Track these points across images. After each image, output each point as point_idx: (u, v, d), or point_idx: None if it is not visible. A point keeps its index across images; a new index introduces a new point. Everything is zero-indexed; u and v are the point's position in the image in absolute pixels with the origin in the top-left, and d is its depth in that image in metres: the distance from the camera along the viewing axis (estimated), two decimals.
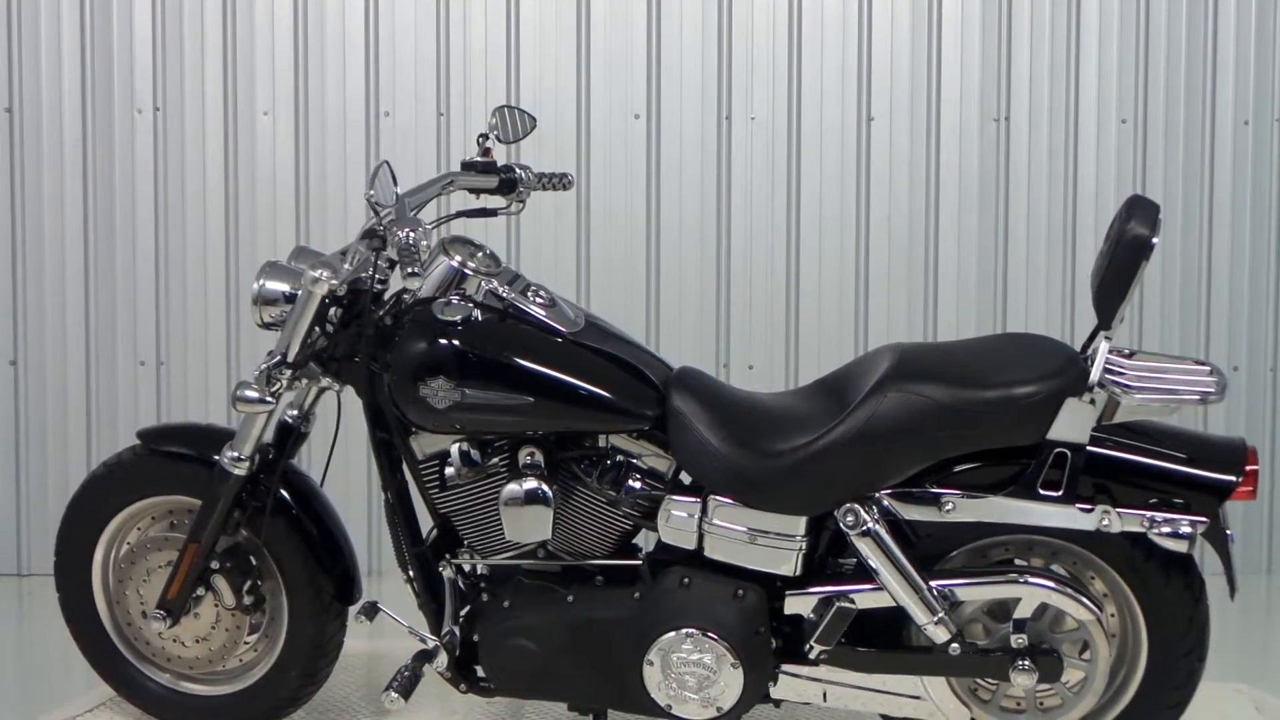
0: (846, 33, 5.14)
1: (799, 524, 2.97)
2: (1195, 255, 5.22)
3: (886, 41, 5.14)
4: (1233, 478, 2.85)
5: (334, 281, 3.02)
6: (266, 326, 3.24)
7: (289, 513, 3.38)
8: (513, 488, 3.02)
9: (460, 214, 3.49)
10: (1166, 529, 2.82)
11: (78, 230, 5.08)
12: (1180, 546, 2.83)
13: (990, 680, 3.02)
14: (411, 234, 2.87)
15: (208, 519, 3.29)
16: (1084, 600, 2.90)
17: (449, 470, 3.10)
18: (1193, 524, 2.82)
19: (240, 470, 3.26)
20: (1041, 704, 3.03)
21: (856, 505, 2.91)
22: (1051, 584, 2.90)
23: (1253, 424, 5.26)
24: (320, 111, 5.09)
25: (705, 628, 2.96)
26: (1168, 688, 2.98)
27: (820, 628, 2.94)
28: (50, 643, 4.46)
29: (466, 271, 3.14)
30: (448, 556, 3.22)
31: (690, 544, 3.02)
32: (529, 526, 3.03)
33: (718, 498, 2.99)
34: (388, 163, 3.05)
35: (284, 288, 3.20)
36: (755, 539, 2.98)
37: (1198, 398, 2.82)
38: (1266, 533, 5.29)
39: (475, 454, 3.08)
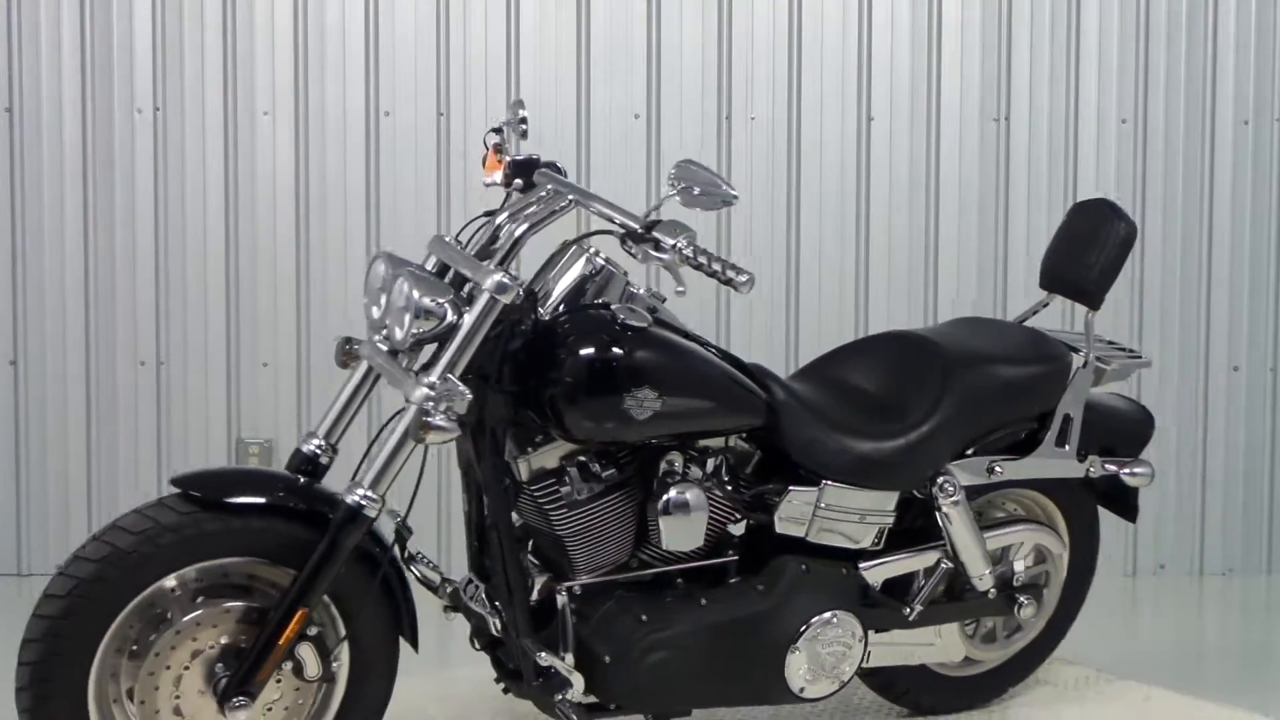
0: (846, 33, 5.13)
1: (893, 499, 3.17)
2: (1195, 255, 5.22)
3: (886, 42, 5.14)
4: (1152, 431, 3.59)
5: (519, 290, 2.80)
6: (417, 344, 2.81)
7: (369, 556, 2.85)
8: (676, 496, 2.91)
9: (603, 231, 3.10)
10: (1134, 471, 3.42)
11: (78, 230, 5.08)
12: (1145, 482, 3.45)
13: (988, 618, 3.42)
14: (684, 244, 2.74)
15: (322, 576, 2.69)
16: (1061, 536, 3.48)
17: (568, 488, 2.86)
18: (1146, 465, 3.44)
19: (374, 512, 2.77)
20: (1007, 632, 3.46)
21: (944, 476, 3.19)
22: (1044, 527, 3.45)
23: (1252, 424, 5.26)
24: (320, 111, 5.09)
25: (842, 607, 3.09)
26: (1073, 602, 3.57)
27: (925, 589, 3.23)
28: None
29: (613, 274, 3.01)
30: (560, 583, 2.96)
31: (802, 531, 3.07)
32: (690, 533, 2.95)
33: (830, 483, 3.07)
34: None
35: (440, 296, 2.78)
36: (863, 518, 3.12)
37: (1148, 363, 3.70)
38: (1266, 533, 5.29)
39: (597, 468, 2.89)
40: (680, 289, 2.77)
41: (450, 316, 2.74)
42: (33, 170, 5.06)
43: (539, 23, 5.09)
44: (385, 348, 2.91)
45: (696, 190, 2.83)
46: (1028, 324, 3.60)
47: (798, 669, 3.05)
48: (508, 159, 3.20)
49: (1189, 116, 5.19)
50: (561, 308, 2.92)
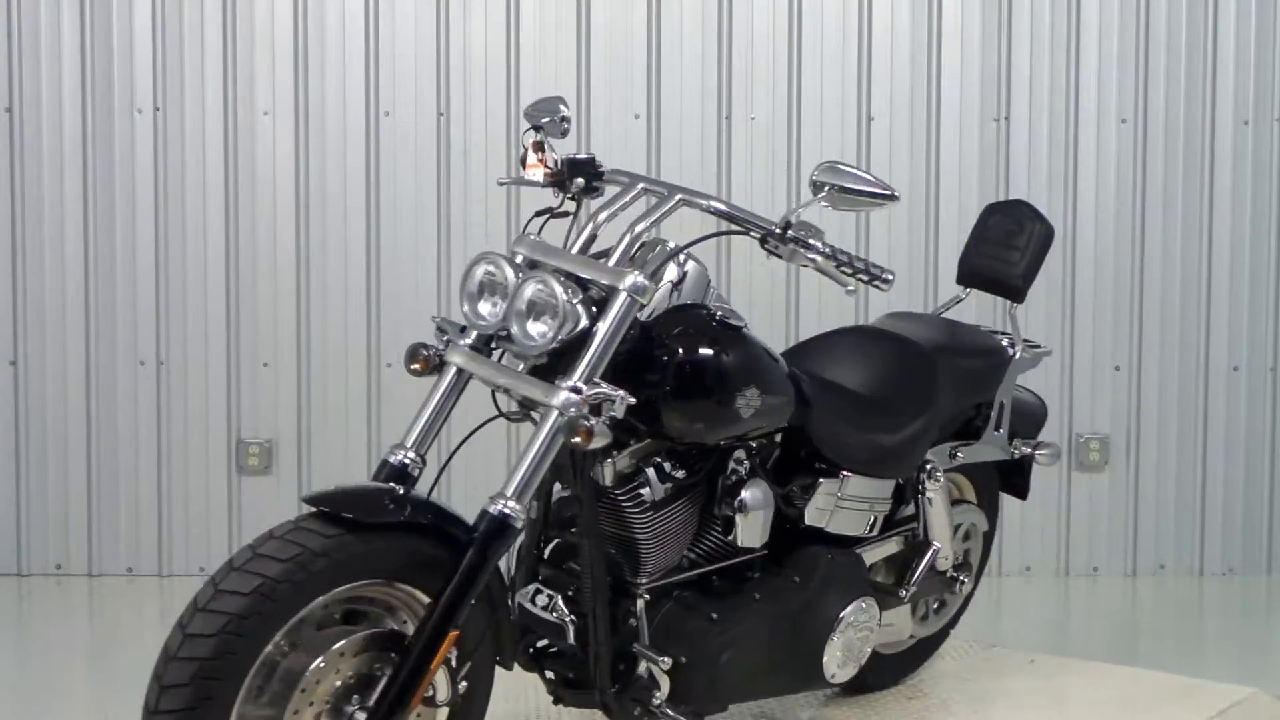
0: (846, 33, 5.14)
1: (891, 487, 3.25)
2: (1195, 255, 5.22)
3: (886, 41, 5.14)
4: (1047, 416, 3.72)
5: (654, 290, 2.69)
6: (559, 352, 2.63)
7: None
8: (754, 494, 2.90)
9: (721, 233, 2.99)
10: (1044, 451, 3.55)
11: (78, 230, 5.08)
12: (1053, 462, 3.62)
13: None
14: (826, 244, 2.74)
15: (470, 593, 2.54)
16: (984, 515, 3.63)
17: (648, 490, 2.80)
18: (1054, 446, 3.59)
19: (519, 523, 2.65)
20: (935, 608, 3.55)
21: (929, 463, 3.29)
22: (975, 506, 3.61)
23: (1253, 424, 5.26)
24: (320, 111, 5.09)
25: (866, 593, 3.15)
26: (979, 574, 3.68)
27: (919, 571, 3.32)
28: (50, 643, 4.46)
29: (701, 273, 2.92)
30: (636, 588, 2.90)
31: (825, 521, 3.08)
32: (761, 529, 2.96)
33: (849, 474, 3.10)
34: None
35: (575, 299, 2.63)
36: (872, 506, 3.19)
37: (1049, 351, 3.72)
38: (1266, 533, 5.29)
39: (669, 468, 2.83)
40: (851, 289, 2.75)
41: (584, 320, 2.63)
42: (33, 170, 5.06)
43: (539, 23, 5.10)
44: (490, 353, 2.75)
45: (848, 191, 2.75)
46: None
47: (834, 655, 3.10)
48: (556, 157, 3.12)
49: (1189, 116, 5.19)
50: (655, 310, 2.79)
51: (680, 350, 2.72)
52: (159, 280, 5.10)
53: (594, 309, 2.64)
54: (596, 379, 2.58)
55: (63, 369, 5.09)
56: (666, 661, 2.78)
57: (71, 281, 5.08)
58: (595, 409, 2.57)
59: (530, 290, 2.64)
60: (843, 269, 2.74)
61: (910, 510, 3.36)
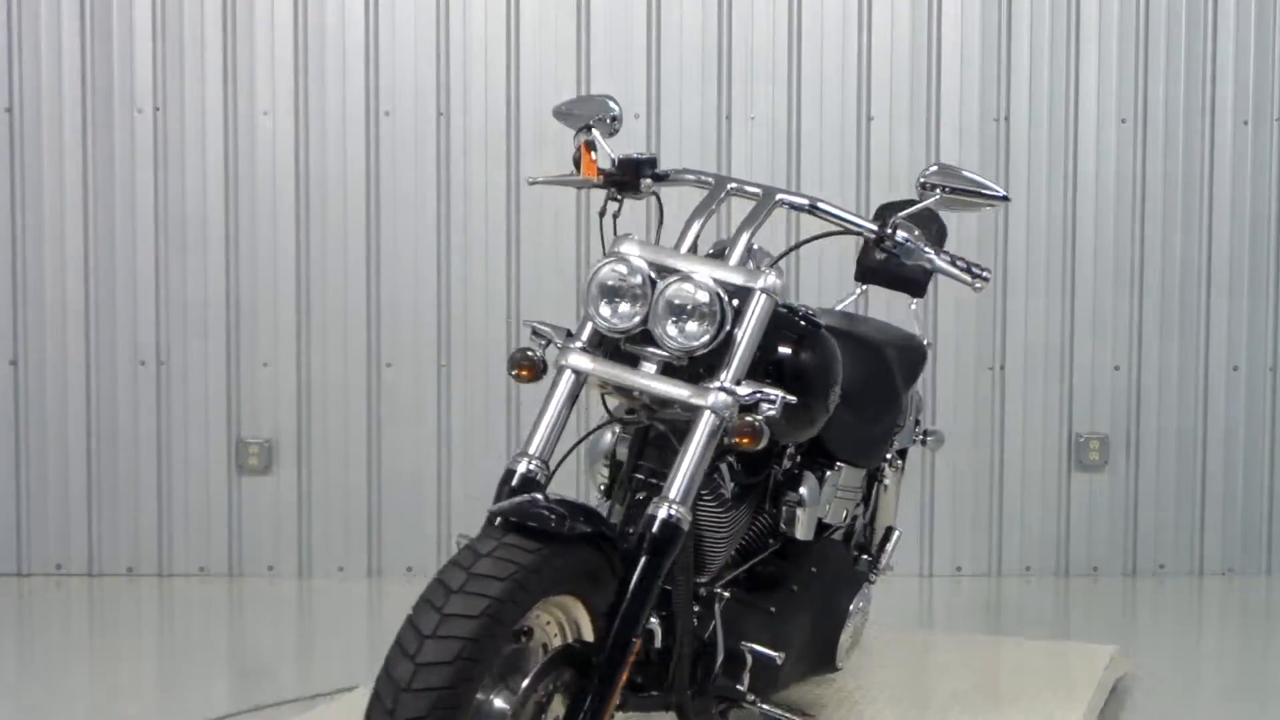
0: (846, 33, 5.14)
1: (864, 476, 3.35)
2: (1195, 255, 5.22)
3: (886, 41, 5.14)
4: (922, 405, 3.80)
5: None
6: (705, 356, 2.60)
7: None
8: (810, 488, 2.96)
9: (827, 234, 2.96)
10: (933, 437, 3.72)
11: (78, 230, 5.08)
12: (940, 447, 3.84)
13: None
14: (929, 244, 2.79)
15: (649, 599, 2.53)
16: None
17: (723, 489, 2.82)
18: (940, 432, 3.78)
19: (687, 526, 2.60)
20: None
21: (891, 451, 3.41)
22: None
23: (1253, 424, 5.26)
24: (320, 111, 5.09)
25: (864, 579, 3.30)
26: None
27: (888, 555, 3.47)
28: (50, 643, 4.46)
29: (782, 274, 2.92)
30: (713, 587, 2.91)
31: (823, 512, 3.09)
32: (814, 522, 3.03)
33: (842, 465, 3.14)
34: None
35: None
36: (854, 494, 3.29)
37: (924, 340, 3.75)
38: (1266, 533, 5.29)
39: (737, 465, 2.85)
40: (980, 286, 2.76)
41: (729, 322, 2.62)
42: (33, 170, 5.06)
43: (539, 22, 5.10)
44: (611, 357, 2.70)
45: (959, 193, 2.76)
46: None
47: (845, 640, 3.16)
48: (615, 157, 3.05)
49: (1189, 116, 5.19)
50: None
51: (789, 350, 2.74)
52: (159, 280, 5.10)
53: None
54: (738, 377, 2.58)
55: (63, 369, 5.09)
56: (774, 655, 2.78)
57: (71, 281, 5.08)
58: (746, 409, 2.56)
59: (682, 292, 2.61)
60: (950, 268, 2.76)
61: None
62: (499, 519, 2.45)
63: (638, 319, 2.62)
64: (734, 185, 2.92)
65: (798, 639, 3.00)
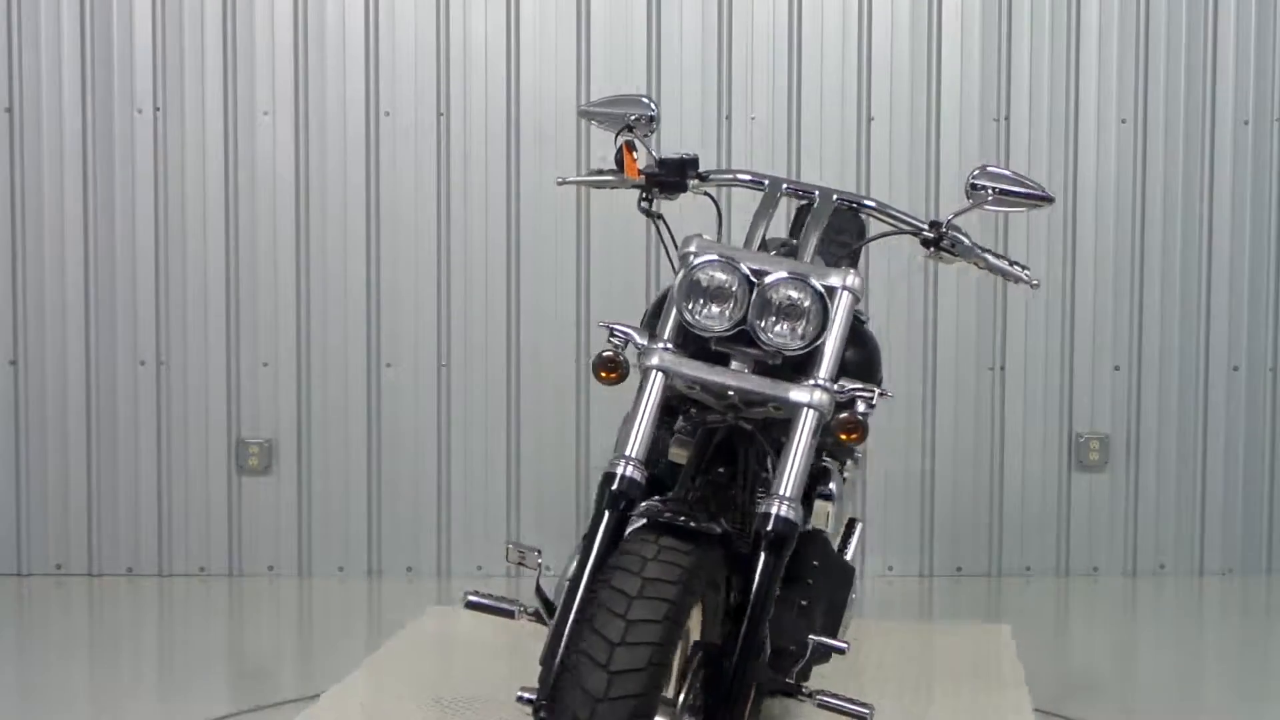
0: (846, 33, 5.13)
1: None
2: (1195, 255, 5.22)
3: (886, 41, 5.14)
4: None
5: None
6: (802, 354, 2.62)
7: None
8: (838, 482, 3.04)
9: (884, 234, 3.05)
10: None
11: (78, 230, 5.08)
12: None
13: None
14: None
15: (770, 599, 2.57)
16: None
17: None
18: None
19: (800, 523, 2.66)
20: None
21: None
22: None
23: (1253, 424, 5.26)
24: (320, 111, 5.09)
25: (854, 568, 3.25)
26: None
27: (853, 544, 3.44)
28: (50, 643, 4.46)
29: None
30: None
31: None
32: (844, 517, 3.13)
33: (828, 459, 3.16)
34: None
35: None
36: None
37: None
38: (1266, 533, 5.29)
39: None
40: (1036, 283, 2.89)
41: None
42: (33, 170, 5.06)
43: (539, 23, 5.10)
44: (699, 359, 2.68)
45: (1007, 194, 2.81)
46: None
47: (846, 622, 3.16)
48: (657, 157, 3.08)
49: (1189, 116, 5.19)
50: None
51: (849, 347, 2.77)
52: (159, 280, 5.10)
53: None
54: (831, 375, 2.62)
55: (63, 369, 5.09)
56: (844, 645, 2.79)
57: (71, 281, 5.08)
58: (841, 405, 2.60)
59: (788, 292, 2.62)
60: (998, 266, 2.84)
61: None
62: (644, 521, 2.47)
63: (736, 319, 2.63)
64: (788, 186, 2.95)
65: (822, 628, 3.01)
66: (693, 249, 2.70)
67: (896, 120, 5.15)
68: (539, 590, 2.96)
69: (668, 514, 2.48)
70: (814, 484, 2.99)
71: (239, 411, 5.12)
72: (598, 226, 5.12)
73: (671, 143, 5.09)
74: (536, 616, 2.99)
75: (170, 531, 5.12)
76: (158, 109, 5.07)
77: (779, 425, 2.70)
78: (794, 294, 2.61)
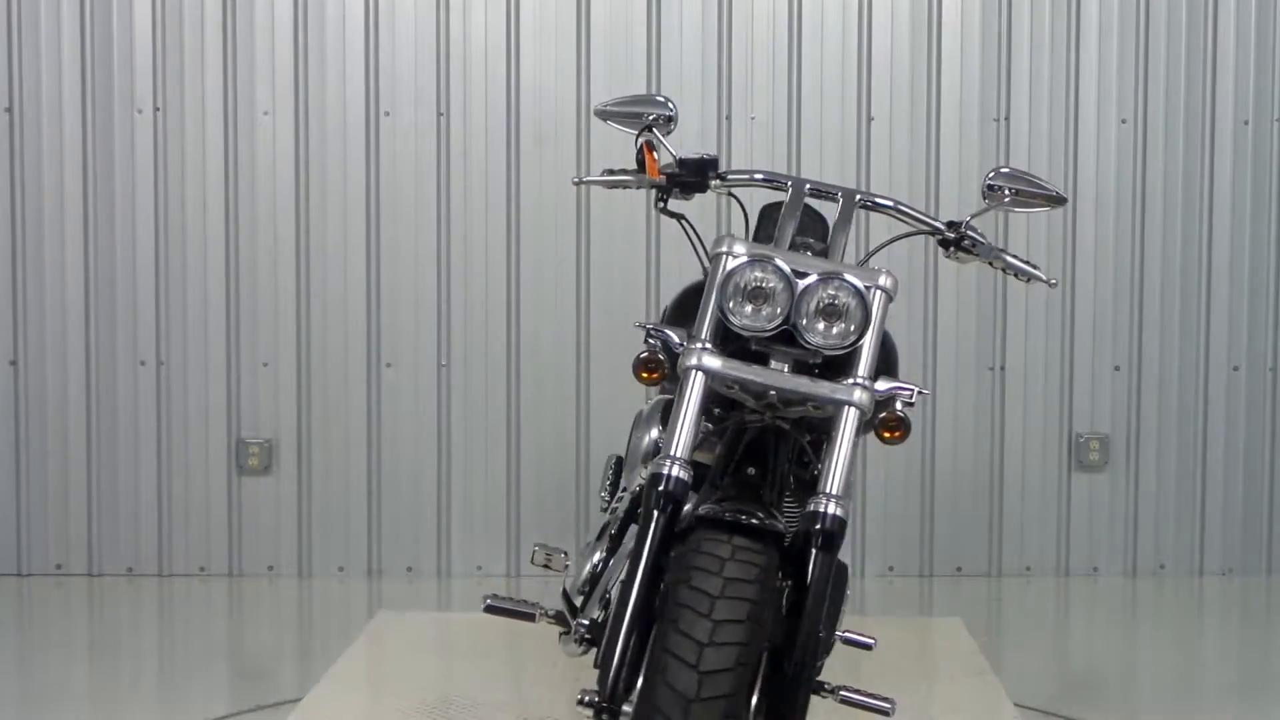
0: (846, 33, 5.13)
1: None
2: (1195, 255, 5.22)
3: (886, 41, 5.14)
4: None
5: None
6: (843, 353, 2.65)
7: None
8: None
9: (907, 234, 3.05)
10: None
11: (78, 230, 5.08)
12: None
13: None
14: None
15: (826, 597, 2.60)
16: None
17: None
18: None
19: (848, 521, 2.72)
20: None
21: None
22: None
23: (1253, 424, 5.26)
24: (320, 111, 5.09)
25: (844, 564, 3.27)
26: None
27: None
28: (50, 643, 4.46)
29: None
30: None
31: None
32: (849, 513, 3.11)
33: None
34: None
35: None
36: None
37: None
38: (1266, 533, 5.29)
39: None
40: (1055, 281, 2.96)
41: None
42: (33, 170, 5.06)
43: (539, 23, 5.10)
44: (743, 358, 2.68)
45: (1024, 195, 2.87)
46: None
47: (841, 619, 3.12)
48: (677, 157, 3.09)
49: (1189, 116, 5.19)
50: None
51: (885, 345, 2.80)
52: (159, 280, 5.10)
53: None
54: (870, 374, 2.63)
55: (63, 369, 5.09)
56: (870, 640, 2.80)
57: (71, 281, 5.08)
58: (879, 404, 2.62)
59: (835, 293, 2.63)
60: (1031, 265, 2.91)
61: None
62: (708, 520, 2.48)
63: (781, 319, 2.63)
64: (811, 186, 2.96)
65: (830, 622, 3.02)
66: (727, 249, 2.70)
67: (896, 120, 5.15)
68: (566, 593, 2.95)
69: (732, 513, 2.49)
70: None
71: (239, 411, 5.12)
72: (598, 226, 5.12)
73: (671, 143, 5.08)
74: (558, 619, 2.99)
75: (170, 531, 5.12)
76: (158, 109, 5.07)
77: (809, 425, 2.70)
78: (839, 294, 2.62)
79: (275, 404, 5.12)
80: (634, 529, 3.04)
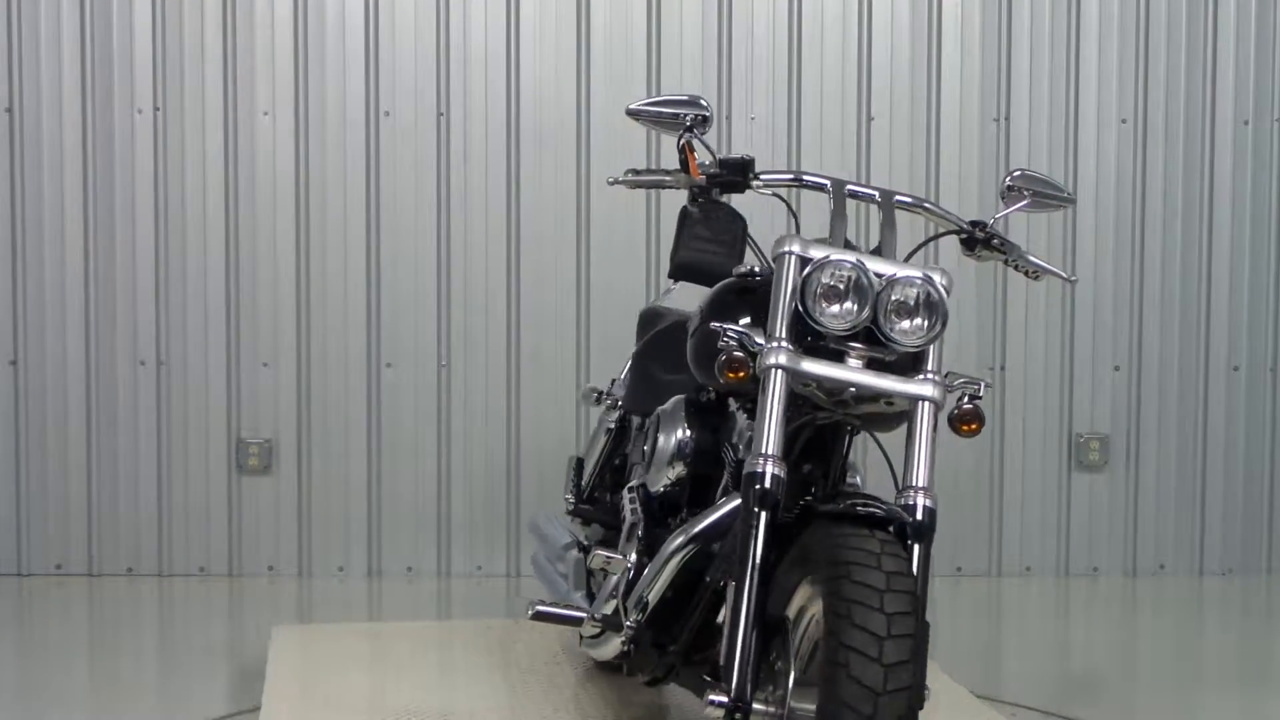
0: (846, 33, 5.14)
1: None
2: (1195, 255, 5.22)
3: (886, 41, 5.14)
4: None
5: None
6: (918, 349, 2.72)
7: None
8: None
9: (939, 235, 3.13)
10: None
11: (78, 230, 5.08)
12: None
13: None
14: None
15: (928, 587, 2.71)
16: None
17: None
18: None
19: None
20: None
21: None
22: None
23: (1252, 424, 5.26)
24: (320, 111, 5.09)
25: None
26: None
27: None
28: (50, 643, 4.46)
29: None
30: None
31: None
32: None
33: None
34: None
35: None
36: None
37: None
38: (1266, 533, 5.29)
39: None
40: (1075, 278, 3.14)
41: None
42: (33, 170, 5.06)
43: (539, 23, 5.10)
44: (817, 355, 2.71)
45: (1042, 195, 2.97)
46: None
47: None
48: (716, 157, 3.12)
49: (1189, 116, 5.19)
50: None
51: None
52: (159, 280, 5.10)
53: None
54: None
55: (63, 369, 5.09)
56: None
57: (71, 281, 5.08)
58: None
59: (910, 291, 2.67)
60: (1031, 265, 3.01)
61: None
62: (841, 517, 2.53)
63: (864, 317, 2.66)
64: (851, 187, 2.99)
65: None
66: (795, 249, 2.74)
67: (896, 120, 5.15)
68: (621, 599, 2.95)
69: (865, 506, 2.55)
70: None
71: (239, 411, 5.12)
72: (598, 226, 5.12)
73: (672, 143, 5.07)
74: (607, 622, 2.98)
75: (170, 531, 5.12)
76: (158, 109, 5.07)
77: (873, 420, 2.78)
78: (919, 292, 2.66)
79: (275, 404, 5.12)
80: (643, 528, 3.05)
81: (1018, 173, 2.99)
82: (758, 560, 2.52)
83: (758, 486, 2.56)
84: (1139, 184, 5.19)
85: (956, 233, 3.00)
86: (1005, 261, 3.01)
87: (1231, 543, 5.27)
